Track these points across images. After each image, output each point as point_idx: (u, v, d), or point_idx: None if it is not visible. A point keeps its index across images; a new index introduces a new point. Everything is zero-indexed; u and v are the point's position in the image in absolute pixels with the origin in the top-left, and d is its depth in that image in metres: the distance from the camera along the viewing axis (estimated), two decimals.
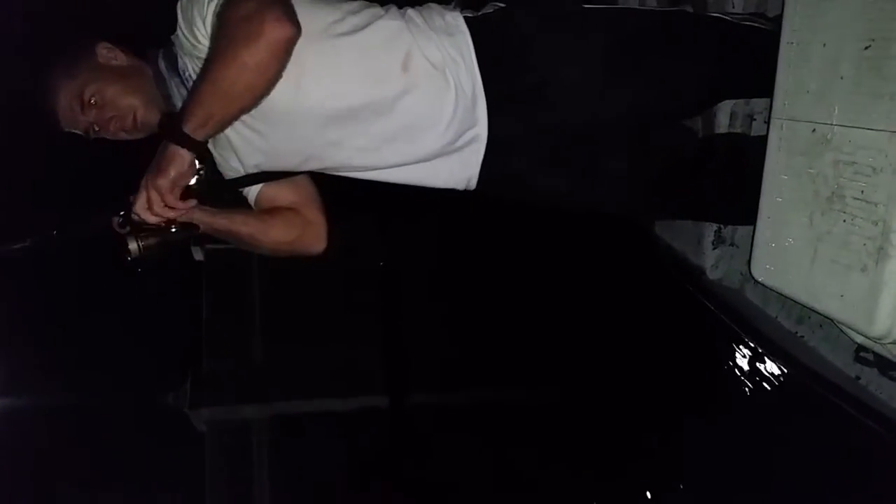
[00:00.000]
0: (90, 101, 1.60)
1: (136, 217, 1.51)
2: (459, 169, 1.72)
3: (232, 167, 1.73)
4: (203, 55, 1.49)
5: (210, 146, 1.69)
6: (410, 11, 1.65)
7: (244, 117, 1.53)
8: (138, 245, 1.52)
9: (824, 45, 1.46)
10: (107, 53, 1.65)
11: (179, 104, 1.59)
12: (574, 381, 3.71)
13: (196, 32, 1.49)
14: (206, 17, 1.46)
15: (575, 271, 3.73)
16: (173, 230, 1.56)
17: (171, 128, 1.44)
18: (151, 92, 1.64)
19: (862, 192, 1.38)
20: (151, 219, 1.50)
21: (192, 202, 1.53)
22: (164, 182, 1.44)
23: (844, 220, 1.42)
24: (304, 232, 1.79)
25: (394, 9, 1.66)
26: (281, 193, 1.79)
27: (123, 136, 1.67)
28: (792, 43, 1.55)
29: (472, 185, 1.76)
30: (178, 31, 1.55)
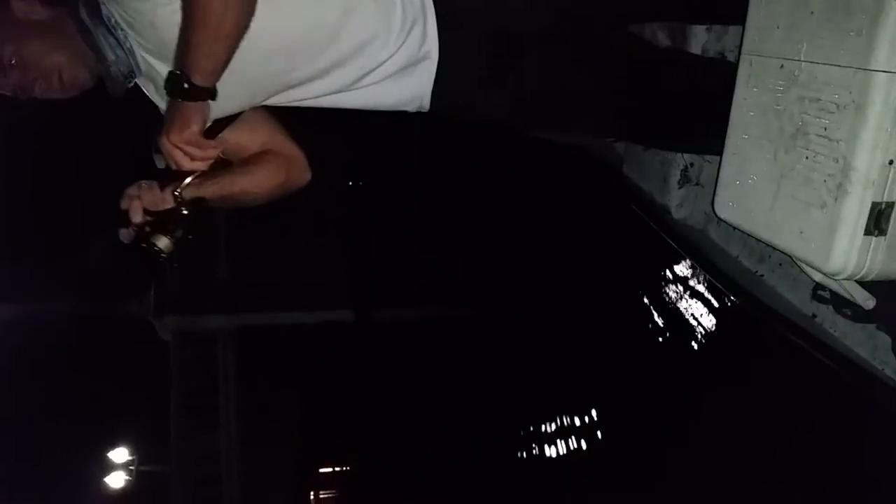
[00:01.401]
0: (10, 62, 1.46)
1: (138, 222, 1.47)
2: (410, 88, 1.66)
3: None
4: (137, 14, 1.42)
5: (157, 99, 1.64)
6: None
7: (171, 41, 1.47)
8: (169, 237, 1.48)
9: None
10: (23, 7, 1.49)
11: (111, 56, 1.50)
12: (535, 305, 3.77)
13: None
14: None
15: (544, 201, 3.74)
16: (184, 212, 1.52)
17: (180, 85, 1.37)
18: (77, 46, 1.50)
19: (825, 129, 1.39)
20: (198, 165, 1.46)
21: (221, 138, 1.51)
22: (192, 134, 1.40)
23: (807, 158, 1.43)
24: (289, 169, 1.75)
25: None
26: (245, 139, 1.71)
27: (53, 95, 1.54)
28: None
29: (425, 105, 1.71)
30: None
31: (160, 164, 1.57)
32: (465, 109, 1.79)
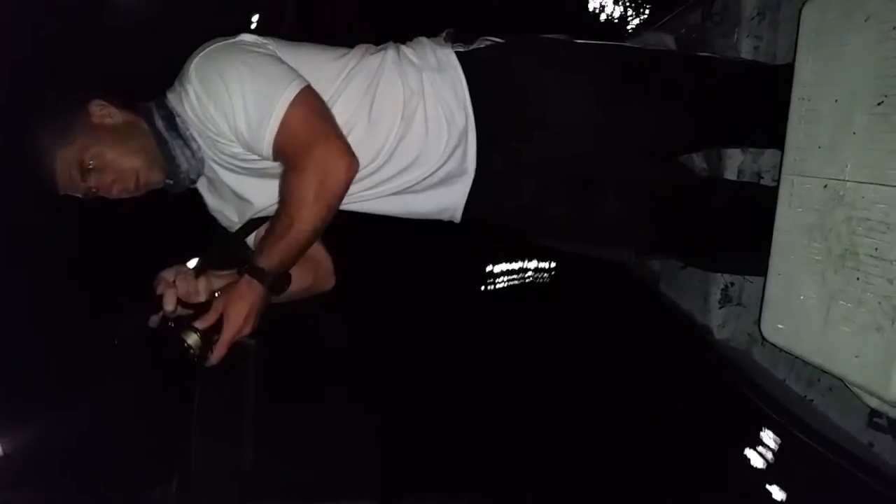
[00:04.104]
0: (90, 166, 1.52)
1: (170, 312, 1.47)
2: (446, 199, 1.73)
3: (228, 218, 1.75)
4: (218, 140, 1.52)
5: (209, 197, 1.75)
6: (405, 50, 1.67)
7: (250, 166, 1.56)
8: (199, 334, 1.43)
9: (836, 100, 1.45)
10: (100, 111, 1.56)
11: (184, 166, 1.59)
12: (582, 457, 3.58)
13: (214, 124, 1.49)
14: (235, 127, 1.47)
15: (580, 334, 3.66)
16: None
17: (252, 270, 1.45)
18: (152, 150, 1.57)
19: (876, 249, 1.34)
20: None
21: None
22: (251, 324, 1.46)
23: (858, 279, 1.38)
24: (316, 273, 1.79)
25: (391, 51, 1.66)
26: None
27: (125, 195, 1.61)
28: (803, 98, 1.54)
29: (457, 217, 1.77)
30: (182, 97, 1.52)
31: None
32: (494, 223, 1.84)
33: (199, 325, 1.43)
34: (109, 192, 1.57)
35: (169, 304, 1.47)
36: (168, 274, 1.51)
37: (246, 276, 1.45)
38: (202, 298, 1.50)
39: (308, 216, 1.42)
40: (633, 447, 2.98)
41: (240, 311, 1.44)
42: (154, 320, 1.49)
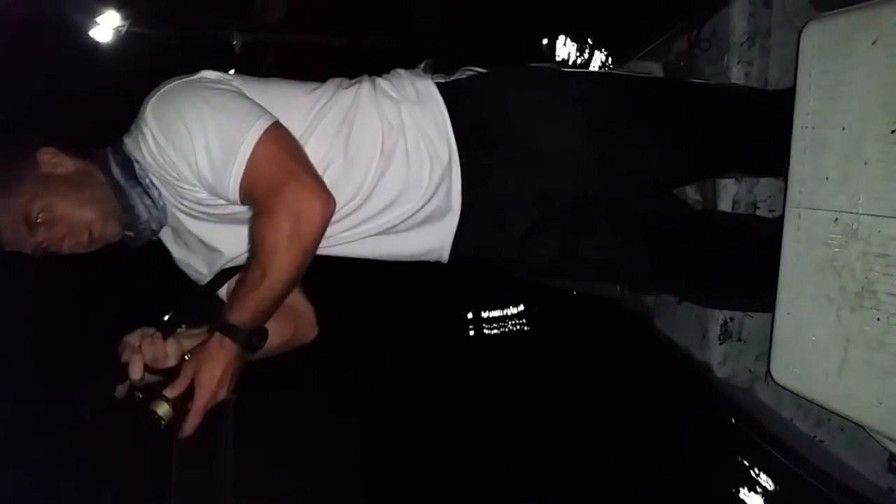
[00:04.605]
0: (38, 219, 1.38)
1: (136, 380, 1.34)
2: (432, 239, 1.61)
3: (197, 270, 1.63)
4: (180, 186, 1.40)
5: (174, 248, 1.63)
6: (381, 83, 1.57)
7: (216, 212, 1.44)
8: (170, 403, 1.30)
9: (843, 128, 1.36)
10: (50, 160, 1.43)
11: (145, 216, 1.46)
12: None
13: (175, 169, 1.37)
14: (197, 171, 1.34)
15: (572, 374, 3.53)
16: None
17: (223, 327, 1.34)
18: (107, 200, 1.44)
19: None
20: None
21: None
22: (226, 387, 1.35)
23: (878, 319, 1.29)
24: (297, 325, 1.67)
25: (366, 84, 1.56)
26: None
27: (78, 251, 1.47)
28: (807, 127, 1.45)
29: (445, 257, 1.65)
30: (140, 140, 1.40)
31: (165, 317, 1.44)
32: (483, 263, 1.73)
33: (169, 393, 1.30)
34: (60, 247, 1.43)
35: (135, 373, 1.33)
36: (133, 338, 1.37)
37: (217, 334, 1.33)
38: (172, 363, 1.37)
39: (281, 264, 1.29)
40: (631, 492, 2.85)
41: (212, 374, 1.32)
42: (121, 391, 1.36)
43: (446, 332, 4.60)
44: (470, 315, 4.46)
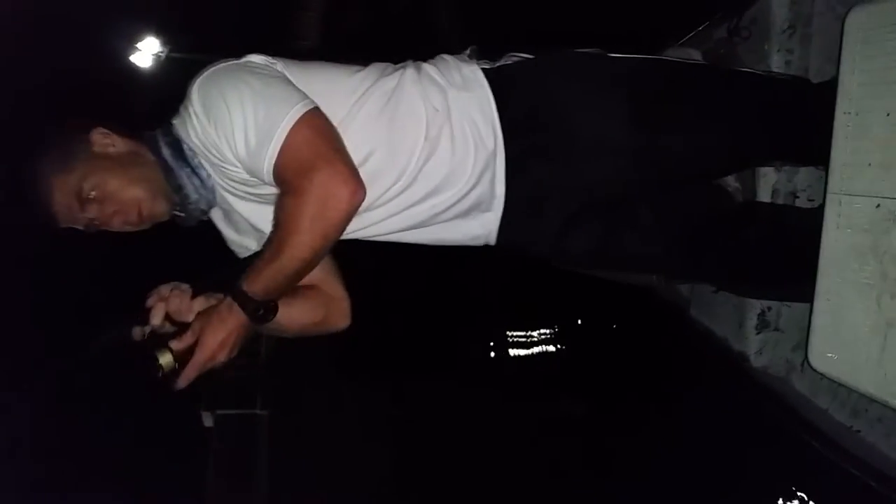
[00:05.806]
0: (90, 196, 1.44)
1: (156, 326, 1.38)
2: (478, 226, 1.62)
3: (248, 249, 1.66)
4: (224, 167, 1.44)
5: (226, 230, 1.67)
6: (427, 68, 1.58)
7: (261, 192, 1.47)
8: (174, 355, 1.35)
9: (888, 114, 1.36)
10: (102, 140, 1.48)
11: (194, 196, 1.50)
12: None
13: (217, 149, 1.41)
14: (236, 151, 1.38)
15: (610, 367, 3.51)
16: None
17: (235, 294, 1.36)
18: (156, 180, 1.49)
19: None
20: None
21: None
22: (227, 351, 1.38)
23: None
24: (329, 310, 1.68)
25: (410, 70, 1.57)
26: None
27: (129, 229, 1.52)
28: (849, 112, 1.45)
29: (492, 240, 1.66)
30: (186, 121, 1.44)
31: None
32: (524, 250, 1.74)
33: (175, 345, 1.35)
34: (111, 224, 1.48)
35: (156, 318, 1.38)
36: (164, 288, 1.42)
37: (228, 299, 1.36)
38: (191, 318, 1.41)
39: (299, 244, 1.31)
40: (668, 483, 2.86)
41: (216, 335, 1.35)
42: (137, 332, 1.40)
43: (476, 352, 4.60)
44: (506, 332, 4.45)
